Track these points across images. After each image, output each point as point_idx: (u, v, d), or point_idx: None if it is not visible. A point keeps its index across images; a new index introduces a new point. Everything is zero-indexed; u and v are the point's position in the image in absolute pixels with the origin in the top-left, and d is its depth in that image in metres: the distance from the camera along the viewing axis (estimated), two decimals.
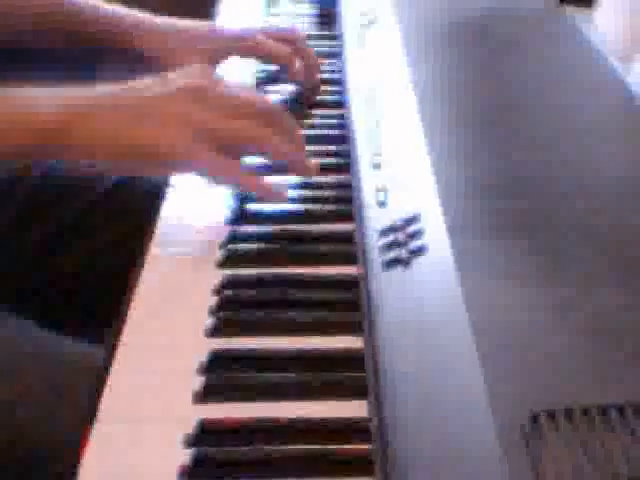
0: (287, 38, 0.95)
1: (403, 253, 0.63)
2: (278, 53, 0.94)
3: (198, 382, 0.59)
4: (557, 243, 0.61)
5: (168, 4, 1.07)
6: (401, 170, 0.72)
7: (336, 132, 0.88)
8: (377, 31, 0.97)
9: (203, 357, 0.61)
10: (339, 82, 0.96)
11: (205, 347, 0.62)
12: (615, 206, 0.65)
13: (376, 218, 0.69)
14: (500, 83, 0.83)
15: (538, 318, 0.54)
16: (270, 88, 0.97)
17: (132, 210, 0.91)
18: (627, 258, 0.59)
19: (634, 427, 0.46)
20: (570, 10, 0.95)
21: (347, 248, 0.71)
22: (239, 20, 1.09)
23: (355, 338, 0.62)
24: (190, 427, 0.55)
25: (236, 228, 0.75)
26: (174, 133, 0.70)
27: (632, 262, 0.59)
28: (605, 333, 0.53)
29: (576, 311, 0.55)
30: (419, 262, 0.62)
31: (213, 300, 0.66)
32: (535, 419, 0.46)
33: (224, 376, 0.60)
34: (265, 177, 0.76)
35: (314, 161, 0.77)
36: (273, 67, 1.01)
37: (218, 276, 0.69)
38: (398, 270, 0.63)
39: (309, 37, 1.08)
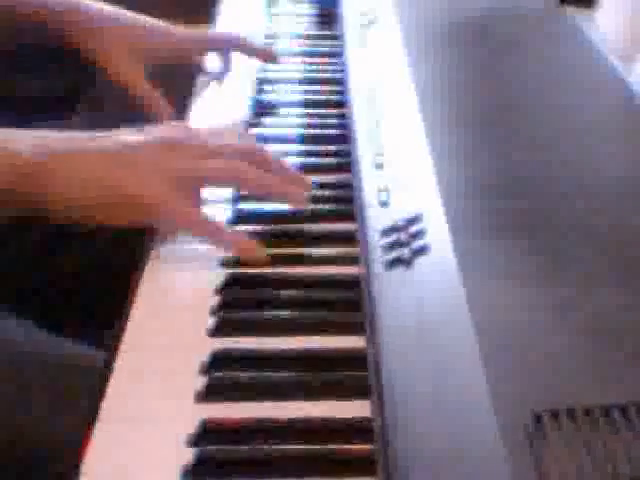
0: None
1: (405, 253, 0.63)
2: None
3: (200, 382, 0.59)
4: (558, 243, 0.61)
5: (168, 4, 1.07)
6: (403, 170, 0.72)
7: (337, 132, 0.88)
8: (377, 31, 0.97)
9: (205, 357, 0.61)
10: (340, 82, 0.96)
11: (207, 347, 0.62)
12: (615, 206, 0.65)
13: (378, 218, 0.69)
14: (501, 83, 0.83)
15: (540, 318, 0.54)
16: (269, 88, 0.97)
17: None
18: (627, 258, 0.59)
19: (637, 427, 0.46)
20: (571, 10, 0.95)
21: (349, 248, 0.71)
22: (239, 20, 1.09)
23: (357, 338, 0.62)
24: (192, 427, 0.55)
25: (238, 228, 0.75)
26: (152, 183, 0.69)
27: (632, 262, 0.59)
28: (607, 333, 0.53)
29: (577, 311, 0.55)
30: (421, 262, 0.62)
31: (215, 300, 0.66)
32: (538, 419, 0.46)
33: (226, 376, 0.60)
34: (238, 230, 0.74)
35: (303, 191, 0.75)
36: (272, 67, 1.01)
37: (219, 276, 0.69)
38: (400, 270, 0.63)
39: (309, 37, 1.08)
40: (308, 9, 1.16)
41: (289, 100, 0.95)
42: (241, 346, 0.62)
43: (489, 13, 0.97)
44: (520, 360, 0.51)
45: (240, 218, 0.76)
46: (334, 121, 0.90)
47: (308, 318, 0.64)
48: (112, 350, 0.63)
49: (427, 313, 0.58)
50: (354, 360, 0.60)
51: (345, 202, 0.77)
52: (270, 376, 0.60)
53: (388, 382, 0.56)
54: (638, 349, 0.52)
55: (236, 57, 0.98)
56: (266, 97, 0.96)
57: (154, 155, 0.71)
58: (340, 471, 0.53)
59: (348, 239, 0.72)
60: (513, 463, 0.45)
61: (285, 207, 0.76)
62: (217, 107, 0.94)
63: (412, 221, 0.66)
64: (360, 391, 0.58)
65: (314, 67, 1.01)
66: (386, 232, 0.67)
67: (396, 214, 0.68)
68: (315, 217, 0.75)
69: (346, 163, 0.82)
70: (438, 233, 0.62)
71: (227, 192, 0.78)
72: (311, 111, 0.92)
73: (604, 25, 0.90)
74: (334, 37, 1.07)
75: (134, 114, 0.90)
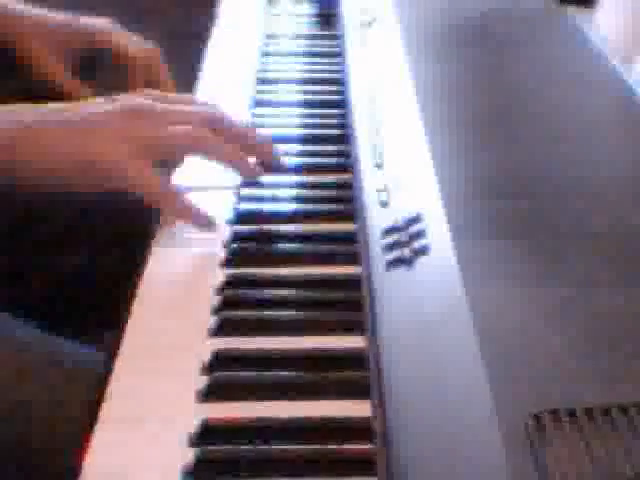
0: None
1: (405, 253, 0.63)
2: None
3: (200, 382, 0.59)
4: (558, 243, 0.61)
5: (168, 4, 1.07)
6: (403, 170, 0.72)
7: (337, 132, 0.88)
8: (377, 31, 0.97)
9: (205, 357, 0.61)
10: (340, 82, 0.96)
11: (207, 347, 0.62)
12: (615, 206, 0.65)
13: (378, 218, 0.69)
14: (501, 83, 0.84)
15: (540, 318, 0.54)
16: (269, 88, 0.97)
17: (133, 210, 0.91)
18: (627, 258, 0.59)
19: (637, 427, 0.46)
20: (571, 10, 0.95)
21: (349, 248, 0.71)
22: (239, 20, 1.09)
23: (357, 338, 0.62)
24: (192, 427, 0.55)
25: (239, 228, 0.75)
26: (115, 148, 0.72)
27: (632, 262, 0.59)
28: (607, 333, 0.53)
29: (577, 311, 0.55)
30: (421, 262, 0.62)
31: (216, 300, 0.66)
32: (538, 419, 0.46)
33: (227, 376, 0.60)
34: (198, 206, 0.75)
35: (254, 161, 0.78)
36: (273, 67, 1.01)
37: (220, 276, 0.69)
38: (400, 270, 0.63)
39: (309, 37, 1.08)
40: (308, 9, 1.16)
41: (289, 100, 0.95)
42: (242, 346, 0.62)
43: (489, 13, 0.97)
44: (520, 360, 0.51)
45: (240, 218, 0.76)
46: (334, 121, 0.90)
47: (309, 318, 0.64)
48: (112, 350, 0.63)
49: (427, 313, 0.58)
50: (354, 360, 0.60)
51: (345, 202, 0.77)
52: (271, 376, 0.60)
53: (388, 382, 0.56)
54: (638, 349, 0.52)
55: (237, 56, 0.98)
56: (266, 97, 0.96)
57: (116, 123, 0.73)
58: (340, 471, 0.53)
59: (348, 239, 0.72)
60: (513, 463, 0.45)
61: (287, 207, 0.77)
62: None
63: (412, 221, 0.66)
64: (360, 391, 0.58)
65: (314, 67, 1.01)
66: (386, 232, 0.67)
67: (396, 214, 0.68)
68: (315, 217, 0.75)
69: (346, 163, 0.82)
70: (438, 233, 0.62)
71: (227, 192, 0.78)
72: (311, 111, 0.92)
73: (604, 25, 0.90)
74: (334, 37, 1.07)
75: None
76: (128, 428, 0.56)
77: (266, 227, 0.75)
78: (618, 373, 0.50)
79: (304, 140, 0.87)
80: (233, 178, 0.79)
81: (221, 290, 0.67)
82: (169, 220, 0.76)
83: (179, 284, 0.69)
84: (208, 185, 0.80)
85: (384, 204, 0.71)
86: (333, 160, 0.83)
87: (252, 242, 0.73)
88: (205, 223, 0.74)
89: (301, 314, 0.65)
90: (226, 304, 0.66)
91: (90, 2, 1.14)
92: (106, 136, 0.73)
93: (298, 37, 1.09)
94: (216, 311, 0.65)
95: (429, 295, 0.59)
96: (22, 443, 0.70)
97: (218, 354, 0.61)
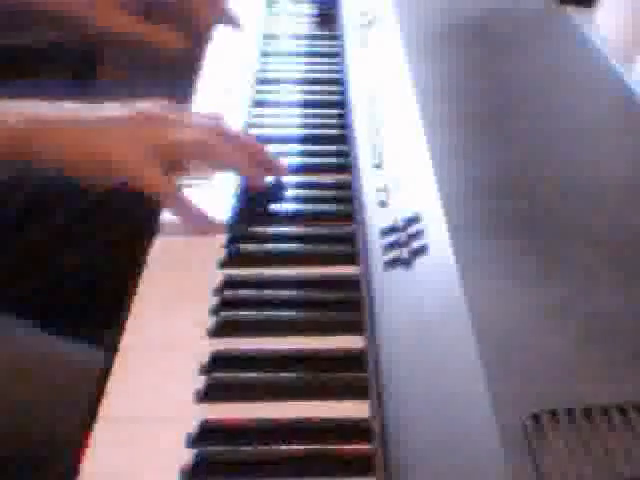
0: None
1: (404, 253, 0.63)
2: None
3: (199, 382, 0.59)
4: (558, 243, 0.61)
5: None
6: (402, 170, 0.72)
7: (337, 132, 0.88)
8: (377, 31, 0.97)
9: (204, 357, 0.61)
10: (340, 82, 0.96)
11: (206, 347, 0.62)
12: (615, 206, 0.65)
13: (377, 218, 0.69)
14: (501, 83, 0.84)
15: (540, 318, 0.54)
16: (269, 88, 0.97)
17: (132, 210, 0.91)
18: (627, 258, 0.59)
19: (636, 427, 0.46)
20: (571, 10, 0.95)
21: (348, 248, 0.71)
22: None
23: (356, 338, 0.62)
24: (191, 427, 0.55)
25: (237, 228, 0.75)
26: (125, 148, 0.75)
27: (632, 262, 0.59)
28: (606, 333, 0.53)
29: (577, 311, 0.55)
30: (420, 262, 0.62)
31: (214, 300, 0.66)
32: (537, 419, 0.46)
33: (226, 376, 0.60)
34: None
35: (258, 169, 0.79)
36: (272, 68, 1.01)
37: (220, 276, 0.69)
38: (399, 270, 0.63)
39: (309, 37, 1.08)
40: (308, 9, 1.16)
41: (289, 100, 0.95)
42: (241, 346, 0.62)
43: (489, 13, 0.97)
44: (519, 360, 0.51)
45: (240, 218, 0.76)
46: (334, 121, 0.90)
47: (307, 318, 0.64)
48: (112, 350, 0.63)
49: (426, 313, 0.58)
50: (354, 360, 0.60)
51: (344, 202, 0.77)
52: (270, 376, 0.60)
53: (387, 382, 0.56)
54: (638, 349, 0.52)
55: (236, 56, 0.99)
56: (266, 97, 0.96)
57: (130, 125, 0.76)
58: (340, 471, 0.53)
59: (347, 239, 0.72)
60: (512, 463, 0.45)
61: (286, 207, 0.77)
62: (217, 107, 0.94)
63: (411, 221, 0.66)
64: (360, 391, 0.58)
65: (314, 67, 1.01)
66: (385, 232, 0.67)
67: (395, 214, 0.68)
68: (315, 217, 0.75)
69: (346, 163, 0.82)
70: (437, 233, 0.62)
71: (227, 192, 0.78)
72: (311, 111, 0.92)
73: (604, 25, 0.90)
74: (334, 37, 1.07)
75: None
76: (127, 428, 0.56)
77: (265, 227, 0.75)
78: (617, 373, 0.50)
79: (304, 140, 0.87)
80: (233, 178, 0.79)
81: (220, 290, 0.67)
82: (170, 218, 0.76)
83: (178, 284, 0.69)
84: (208, 185, 0.80)
85: (383, 204, 0.70)
86: (333, 160, 0.83)
87: (251, 242, 0.73)
88: (206, 227, 0.75)
89: (300, 314, 0.65)
90: (225, 304, 0.66)
91: None
92: (120, 137, 0.75)
93: (298, 37, 1.09)
94: (215, 311, 0.65)
95: (428, 295, 0.59)
96: (22, 442, 0.70)
97: (217, 354, 0.61)
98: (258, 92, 0.97)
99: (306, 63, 1.02)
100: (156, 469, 0.53)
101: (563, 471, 0.44)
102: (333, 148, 0.85)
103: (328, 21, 1.12)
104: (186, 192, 0.78)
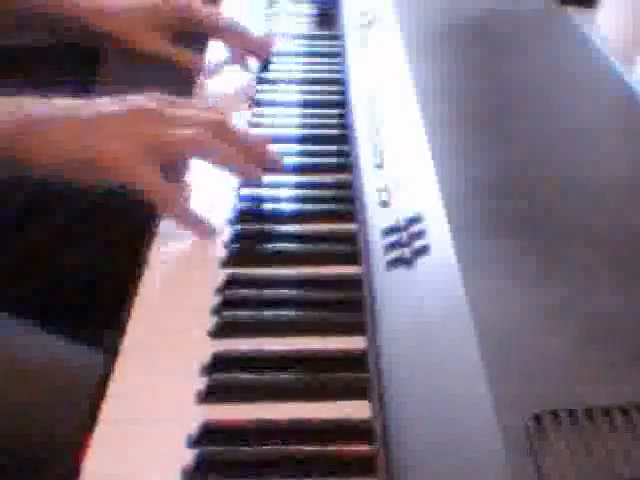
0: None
1: (406, 253, 0.63)
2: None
3: (200, 383, 0.59)
4: (558, 243, 0.61)
5: None
6: (403, 170, 0.72)
7: (337, 132, 0.88)
8: (378, 31, 0.97)
9: (205, 358, 0.61)
10: (340, 82, 0.96)
11: (207, 348, 0.62)
12: (615, 206, 0.65)
13: (378, 218, 0.69)
14: (501, 83, 0.84)
15: (540, 318, 0.54)
16: (269, 87, 0.97)
17: (133, 210, 0.91)
18: (626, 258, 0.59)
19: (637, 427, 0.46)
20: (571, 10, 0.95)
21: (349, 248, 0.71)
22: (239, 20, 1.09)
23: (357, 338, 0.62)
24: (192, 428, 0.55)
25: (238, 227, 0.75)
26: (118, 147, 0.73)
27: (632, 262, 0.59)
28: (607, 333, 0.53)
29: (577, 311, 0.55)
30: (422, 262, 0.62)
31: (215, 300, 0.66)
32: (538, 420, 0.46)
33: (226, 377, 0.60)
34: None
35: (255, 166, 0.78)
36: (273, 67, 1.01)
37: (221, 276, 0.69)
38: (401, 270, 0.63)
39: (309, 37, 1.08)
40: (308, 9, 1.16)
41: (289, 100, 0.95)
42: (242, 347, 0.62)
43: (489, 13, 0.97)
44: (520, 360, 0.51)
45: (240, 218, 0.76)
46: (334, 121, 0.90)
47: (309, 318, 0.64)
48: (112, 350, 0.63)
49: (427, 313, 0.58)
50: (355, 361, 0.60)
51: (345, 202, 0.77)
52: (271, 377, 0.59)
53: (388, 383, 0.56)
54: (638, 349, 0.52)
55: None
56: (266, 97, 0.96)
57: (123, 122, 0.75)
58: (341, 472, 0.53)
59: (349, 239, 0.72)
60: (513, 463, 0.45)
61: (285, 207, 0.77)
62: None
63: (413, 221, 0.66)
64: (360, 392, 0.58)
65: (314, 67, 1.01)
66: (387, 232, 0.67)
67: (397, 214, 0.68)
68: (315, 217, 0.75)
69: (346, 163, 0.82)
70: (439, 233, 0.62)
71: (227, 192, 0.78)
72: (311, 111, 0.92)
73: (604, 25, 0.90)
74: (334, 37, 1.07)
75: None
76: (128, 429, 0.56)
77: (266, 227, 0.75)
78: (618, 374, 0.50)
79: (304, 140, 0.87)
80: (233, 178, 0.79)
81: (221, 290, 0.67)
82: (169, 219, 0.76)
83: (179, 284, 0.69)
84: (208, 185, 0.80)
85: (384, 204, 0.70)
86: (333, 160, 0.83)
87: (252, 242, 0.73)
88: (204, 230, 0.74)
89: (301, 314, 0.65)
90: (226, 304, 0.66)
91: None
92: (112, 134, 0.73)
93: (298, 37, 1.09)
94: (216, 311, 0.65)
95: (429, 295, 0.59)
96: (22, 444, 0.70)
97: (218, 355, 0.61)
98: (258, 92, 0.97)
99: (306, 63, 1.02)
100: (157, 470, 0.54)
101: (564, 471, 0.44)
102: (334, 148, 0.85)
103: (328, 21, 1.12)
104: (186, 192, 0.78)
